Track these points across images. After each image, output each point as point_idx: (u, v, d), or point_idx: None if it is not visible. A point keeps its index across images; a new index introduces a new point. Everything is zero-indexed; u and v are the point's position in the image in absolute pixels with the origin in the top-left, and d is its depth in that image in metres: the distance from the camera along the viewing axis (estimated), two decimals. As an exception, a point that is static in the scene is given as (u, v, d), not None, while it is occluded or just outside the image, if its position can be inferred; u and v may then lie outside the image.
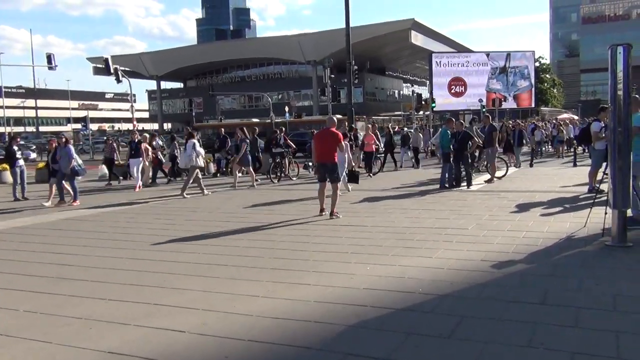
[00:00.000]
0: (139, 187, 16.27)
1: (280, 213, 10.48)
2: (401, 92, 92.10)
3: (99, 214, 11.38)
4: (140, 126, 60.95)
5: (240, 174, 16.91)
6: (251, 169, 16.37)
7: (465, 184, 13.64)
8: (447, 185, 13.74)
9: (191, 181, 14.19)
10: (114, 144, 20.53)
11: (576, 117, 45.80)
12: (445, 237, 7.62)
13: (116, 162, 20.14)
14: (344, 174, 12.34)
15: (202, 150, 14.65)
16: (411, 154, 23.05)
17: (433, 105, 42.79)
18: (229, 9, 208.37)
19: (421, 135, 25.07)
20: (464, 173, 13.93)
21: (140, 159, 16.91)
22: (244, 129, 16.53)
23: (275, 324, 4.43)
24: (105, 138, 21.85)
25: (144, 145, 17.40)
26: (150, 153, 17.87)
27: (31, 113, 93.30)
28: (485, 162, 15.90)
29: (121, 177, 20.11)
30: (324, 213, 9.74)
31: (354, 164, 14.82)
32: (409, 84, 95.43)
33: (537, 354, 3.70)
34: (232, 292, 5.34)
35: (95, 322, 4.63)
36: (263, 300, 5.08)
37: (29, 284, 5.95)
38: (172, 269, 6.36)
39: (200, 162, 14.44)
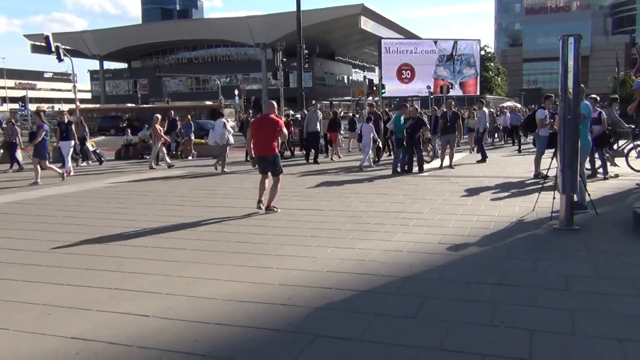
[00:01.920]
0: (69, 171, 15.07)
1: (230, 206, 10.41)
2: (350, 77, 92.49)
3: (45, 198, 10.98)
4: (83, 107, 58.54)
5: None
6: (47, 164, 13.73)
7: (417, 169, 13.90)
8: (399, 170, 13.97)
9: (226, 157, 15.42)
10: (16, 127, 18.49)
11: (519, 105, 47.21)
12: (401, 220, 7.77)
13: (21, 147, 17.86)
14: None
15: (231, 129, 16.13)
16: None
17: (383, 91, 43.13)
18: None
19: (319, 115, 21.80)
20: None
21: (72, 142, 15.75)
22: (40, 113, 14.80)
23: (241, 307, 4.43)
24: (6, 120, 19.61)
25: (157, 127, 16.65)
26: (161, 134, 17.07)
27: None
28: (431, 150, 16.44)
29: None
30: (261, 205, 8.56)
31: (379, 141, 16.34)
32: (358, 70, 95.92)
33: (498, 332, 3.85)
34: (194, 276, 5.29)
35: (55, 307, 4.51)
36: (227, 283, 5.06)
37: (-22, 269, 5.71)
38: (130, 254, 6.24)
39: (231, 139, 15.72)
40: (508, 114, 25.34)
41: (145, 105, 56.98)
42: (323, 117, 19.25)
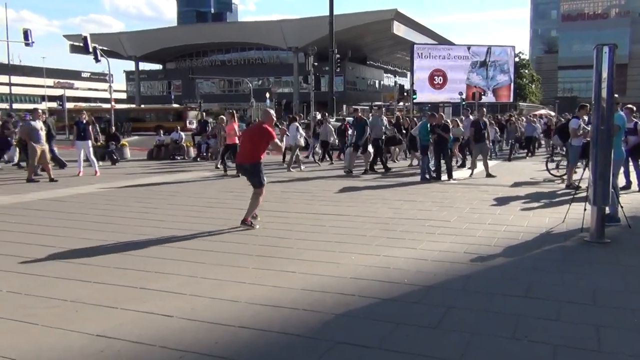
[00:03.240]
0: (96, 171, 15.23)
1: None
2: (382, 82, 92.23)
3: (77, 195, 11.23)
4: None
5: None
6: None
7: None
8: (427, 177, 13.87)
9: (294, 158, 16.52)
10: (10, 124, 17.52)
11: (553, 114, 46.40)
12: (428, 228, 7.72)
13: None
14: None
15: (303, 132, 17.22)
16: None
17: (414, 96, 42.97)
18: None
19: (332, 128, 20.09)
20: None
21: (89, 141, 15.58)
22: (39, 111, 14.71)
23: (263, 311, 4.46)
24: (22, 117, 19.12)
25: (221, 127, 16.77)
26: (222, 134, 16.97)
27: (4, 89, 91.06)
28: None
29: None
30: (246, 225, 7.75)
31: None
32: (390, 75, 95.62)
33: (521, 346, 3.79)
34: (218, 278, 5.35)
35: (82, 304, 4.60)
36: (250, 286, 5.10)
37: (11, 264, 5.86)
38: (156, 254, 6.34)
39: (302, 142, 17.08)
40: (537, 124, 24.30)
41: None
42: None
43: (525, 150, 23.07)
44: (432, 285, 5.11)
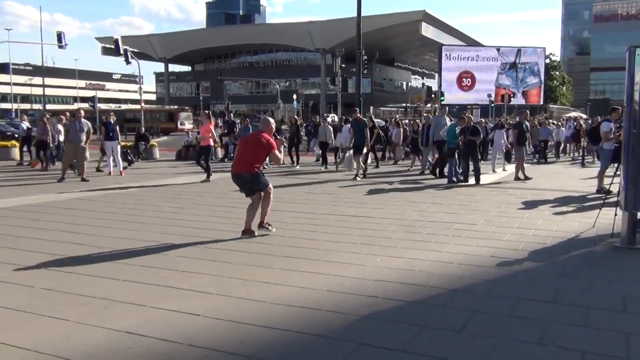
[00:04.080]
0: (121, 171, 15.59)
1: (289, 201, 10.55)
2: (409, 83, 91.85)
3: (108, 195, 11.44)
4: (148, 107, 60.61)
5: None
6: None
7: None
8: (455, 179, 13.77)
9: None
10: (48, 125, 17.86)
11: (584, 116, 45.62)
12: (454, 231, 7.67)
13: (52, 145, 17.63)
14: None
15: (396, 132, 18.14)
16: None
17: (442, 98, 42.68)
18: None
19: (331, 128, 19.37)
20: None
21: (117, 141, 15.78)
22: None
23: (288, 311, 4.49)
24: (41, 117, 19.02)
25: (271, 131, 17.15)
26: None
27: (38, 91, 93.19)
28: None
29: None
30: (252, 229, 7.37)
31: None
32: (417, 76, 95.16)
33: (548, 352, 3.75)
34: (244, 278, 5.40)
35: (112, 302, 4.70)
36: (275, 287, 5.14)
37: (43, 261, 6.01)
38: (184, 253, 6.42)
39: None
40: (562, 128, 23.30)
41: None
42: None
43: (538, 155, 21.90)
44: (458, 288, 5.08)
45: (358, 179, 14.20)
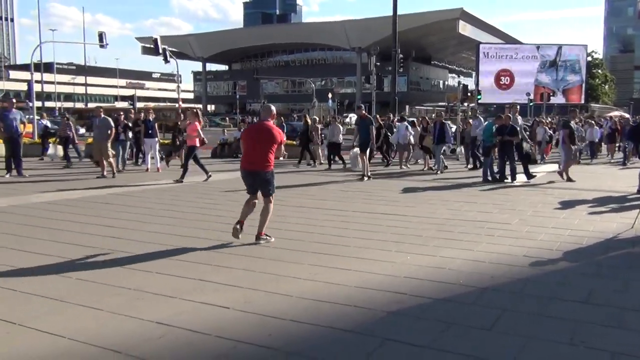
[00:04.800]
0: (158, 168, 15.80)
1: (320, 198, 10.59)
2: (446, 82, 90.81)
3: (146, 190, 11.68)
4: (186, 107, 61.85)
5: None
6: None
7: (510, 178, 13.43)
8: (490, 178, 13.59)
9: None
10: (70, 122, 18.62)
11: (627, 116, 44.31)
12: (487, 230, 7.58)
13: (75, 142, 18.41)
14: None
15: (412, 131, 17.56)
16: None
17: (479, 97, 41.99)
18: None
19: (340, 127, 18.62)
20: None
21: (157, 139, 16.16)
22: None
23: (316, 306, 4.53)
24: (62, 115, 19.21)
25: (316, 127, 17.37)
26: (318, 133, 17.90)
27: (81, 89, 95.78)
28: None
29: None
30: (238, 228, 6.73)
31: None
32: (454, 75, 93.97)
33: (578, 352, 3.69)
34: (274, 273, 5.46)
35: (145, 293, 4.82)
36: (305, 282, 5.18)
37: (80, 253, 6.19)
38: (216, 247, 6.52)
39: (412, 139, 17.57)
40: (596, 127, 21.72)
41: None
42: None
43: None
44: (488, 287, 5.03)
45: (366, 178, 13.65)
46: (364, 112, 15.07)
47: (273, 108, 7.17)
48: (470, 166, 17.31)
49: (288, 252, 6.36)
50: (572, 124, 14.34)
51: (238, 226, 6.71)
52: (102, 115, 14.51)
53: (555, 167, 15.99)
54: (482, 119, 18.35)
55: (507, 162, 13.48)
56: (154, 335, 3.90)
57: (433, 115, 31.11)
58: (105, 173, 13.99)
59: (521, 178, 13.56)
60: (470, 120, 18.84)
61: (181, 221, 8.20)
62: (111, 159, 14.25)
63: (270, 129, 6.82)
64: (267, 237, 6.83)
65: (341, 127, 18.96)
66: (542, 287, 5.05)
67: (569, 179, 13.46)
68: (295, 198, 10.74)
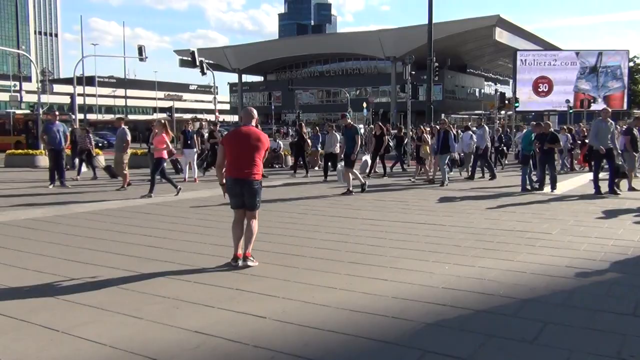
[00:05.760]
0: (195, 179, 15.90)
1: (356, 208, 10.54)
2: (482, 90, 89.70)
3: (182, 200, 11.83)
4: (222, 118, 62.58)
5: None
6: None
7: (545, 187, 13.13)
8: (529, 187, 13.31)
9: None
10: (90, 134, 18.09)
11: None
12: (527, 240, 7.40)
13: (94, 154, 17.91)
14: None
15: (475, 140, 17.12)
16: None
17: (516, 104, 41.34)
18: (311, 4, 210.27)
19: (337, 136, 16.90)
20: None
21: (195, 149, 16.29)
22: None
23: (353, 317, 4.48)
24: (82, 128, 18.57)
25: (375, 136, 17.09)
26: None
27: (121, 102, 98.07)
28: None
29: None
30: (239, 261, 6.10)
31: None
32: (490, 82, 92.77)
33: (626, 367, 3.55)
34: (310, 283, 5.44)
35: (182, 302, 4.86)
36: (341, 292, 5.14)
37: (120, 262, 6.29)
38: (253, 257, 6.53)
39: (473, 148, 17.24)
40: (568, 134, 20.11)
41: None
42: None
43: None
44: (530, 298, 4.90)
45: (353, 193, 12.58)
46: (349, 120, 13.79)
47: (253, 110, 6.54)
48: (465, 174, 17.20)
49: (322, 261, 6.34)
50: (635, 130, 13.53)
51: (235, 263, 6.08)
52: (122, 126, 14.41)
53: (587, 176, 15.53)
54: (486, 127, 17.80)
55: (548, 171, 13.18)
56: (192, 345, 3.92)
57: (468, 123, 30.71)
58: (125, 185, 13.73)
59: (562, 188, 13.22)
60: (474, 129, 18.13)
61: (217, 231, 8.25)
62: (126, 172, 13.98)
63: (258, 133, 6.37)
64: (252, 260, 6.15)
65: (338, 137, 16.77)
66: (586, 299, 4.89)
67: (632, 189, 12.95)
68: (331, 208, 10.73)
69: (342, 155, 13.83)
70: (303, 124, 21.95)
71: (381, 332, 4.15)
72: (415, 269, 5.93)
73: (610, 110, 13.59)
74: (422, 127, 18.91)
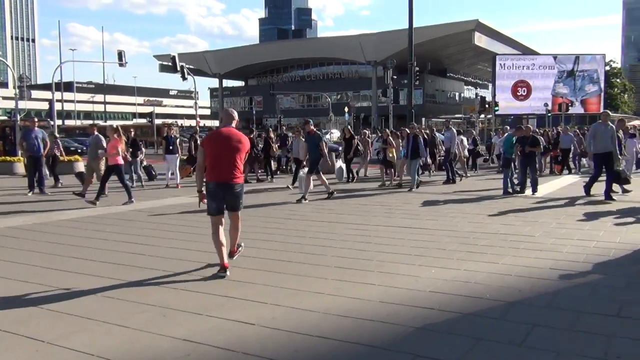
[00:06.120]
0: (177, 184, 15.77)
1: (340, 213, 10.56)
2: (462, 94, 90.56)
3: (165, 207, 11.74)
4: (202, 123, 62.15)
5: None
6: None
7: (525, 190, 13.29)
8: (510, 190, 13.45)
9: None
10: (59, 141, 17.69)
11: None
12: (511, 243, 7.48)
13: (61, 159, 17.53)
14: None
15: (466, 144, 18.60)
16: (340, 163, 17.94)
17: (496, 108, 41.82)
18: (292, 8, 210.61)
19: (305, 143, 14.47)
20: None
21: (177, 155, 16.13)
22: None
23: (342, 322, 4.49)
24: (50, 134, 17.81)
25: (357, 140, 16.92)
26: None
27: (100, 108, 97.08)
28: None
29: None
30: (227, 271, 5.92)
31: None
32: (470, 87, 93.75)
33: (613, 367, 3.60)
34: (297, 288, 5.43)
35: (169, 310, 4.82)
36: (329, 297, 5.14)
37: (105, 270, 6.21)
38: (237, 263, 6.49)
39: (465, 152, 18.66)
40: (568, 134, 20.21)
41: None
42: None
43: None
44: (516, 301, 4.95)
45: (304, 201, 12.18)
46: (312, 127, 13.29)
47: (235, 112, 6.47)
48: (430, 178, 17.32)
49: (308, 266, 6.33)
50: (620, 133, 13.20)
51: (224, 273, 5.89)
52: (95, 133, 13.75)
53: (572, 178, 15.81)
54: (454, 130, 17.76)
55: (529, 174, 13.35)
56: (182, 353, 3.89)
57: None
58: (85, 192, 12.76)
59: (543, 190, 13.40)
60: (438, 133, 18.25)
61: (201, 237, 8.18)
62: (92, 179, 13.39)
63: (239, 135, 6.25)
64: (240, 248, 6.57)
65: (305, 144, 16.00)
66: (572, 301, 4.96)
67: (625, 190, 12.79)
68: (315, 213, 10.73)
69: (305, 162, 13.68)
70: (271, 130, 21.86)
71: (370, 336, 4.16)
72: (401, 273, 5.96)
73: (610, 113, 13.26)
74: (386, 130, 18.57)
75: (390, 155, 15.83)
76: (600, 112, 13.47)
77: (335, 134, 45.21)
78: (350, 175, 17.42)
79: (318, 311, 4.74)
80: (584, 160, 21.30)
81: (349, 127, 19.20)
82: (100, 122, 77.04)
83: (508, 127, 21.55)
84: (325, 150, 13.34)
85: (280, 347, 4.00)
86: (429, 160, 17.09)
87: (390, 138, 16.25)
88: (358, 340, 4.10)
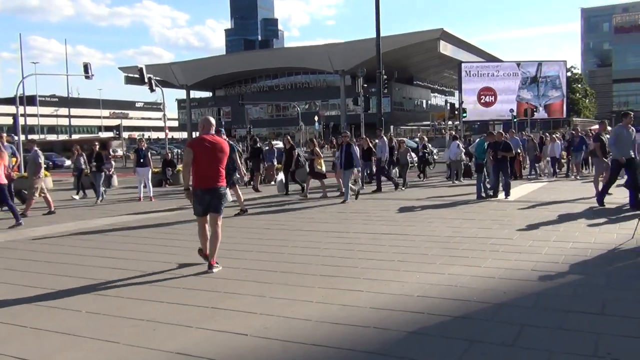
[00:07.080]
0: (151, 197, 15.64)
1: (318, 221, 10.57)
2: (429, 101, 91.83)
3: (141, 220, 11.58)
4: (170, 135, 61.35)
5: None
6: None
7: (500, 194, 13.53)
8: (484, 194, 13.68)
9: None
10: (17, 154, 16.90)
11: (610, 128, 44.99)
12: (490, 246, 7.60)
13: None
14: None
15: (463, 149, 18.88)
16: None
17: (464, 115, 42.53)
18: (258, 19, 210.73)
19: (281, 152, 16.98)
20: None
21: (149, 168, 15.85)
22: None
23: (335, 329, 4.49)
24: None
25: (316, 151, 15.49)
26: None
27: (64, 121, 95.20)
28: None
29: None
30: (215, 266, 6.65)
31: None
32: (437, 94, 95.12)
33: (604, 364, 3.69)
34: (287, 297, 5.42)
35: (159, 324, 4.75)
36: (319, 305, 5.14)
37: (86, 286, 6.09)
38: (223, 275, 6.46)
39: (464, 157, 19.01)
40: (557, 142, 20.68)
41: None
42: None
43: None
44: (503, 302, 5.03)
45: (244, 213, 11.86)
46: (224, 136, 11.13)
47: (212, 119, 6.95)
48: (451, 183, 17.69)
49: (295, 275, 6.33)
50: (604, 136, 13.13)
51: (211, 270, 6.59)
52: (34, 149, 13.15)
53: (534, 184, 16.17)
54: (385, 138, 17.65)
55: (502, 178, 13.59)
56: (176, 366, 3.84)
57: (418, 133, 31.25)
58: (27, 212, 12.47)
59: (515, 194, 13.66)
60: (377, 141, 17.52)
61: (184, 250, 8.11)
62: (36, 197, 12.74)
63: (221, 142, 6.78)
64: (217, 266, 6.66)
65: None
66: (556, 301, 5.06)
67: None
68: (295, 221, 10.71)
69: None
70: (457, 135, 23.13)
71: (364, 343, 4.18)
72: (388, 279, 6.00)
73: (632, 115, 11.88)
74: (312, 140, 17.49)
75: (319, 167, 15.30)
76: (621, 114, 12.07)
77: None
78: (286, 189, 16.19)
79: (310, 319, 4.73)
80: (542, 164, 21.70)
81: (288, 137, 18.59)
82: (64, 137, 75.58)
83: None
84: (238, 161, 12.14)
85: (275, 357, 3.98)
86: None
87: (317, 149, 15.65)
88: (353, 346, 4.11)
